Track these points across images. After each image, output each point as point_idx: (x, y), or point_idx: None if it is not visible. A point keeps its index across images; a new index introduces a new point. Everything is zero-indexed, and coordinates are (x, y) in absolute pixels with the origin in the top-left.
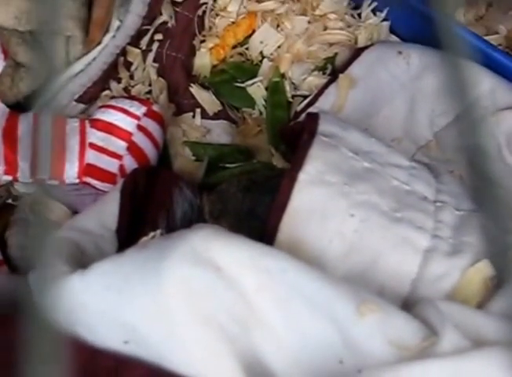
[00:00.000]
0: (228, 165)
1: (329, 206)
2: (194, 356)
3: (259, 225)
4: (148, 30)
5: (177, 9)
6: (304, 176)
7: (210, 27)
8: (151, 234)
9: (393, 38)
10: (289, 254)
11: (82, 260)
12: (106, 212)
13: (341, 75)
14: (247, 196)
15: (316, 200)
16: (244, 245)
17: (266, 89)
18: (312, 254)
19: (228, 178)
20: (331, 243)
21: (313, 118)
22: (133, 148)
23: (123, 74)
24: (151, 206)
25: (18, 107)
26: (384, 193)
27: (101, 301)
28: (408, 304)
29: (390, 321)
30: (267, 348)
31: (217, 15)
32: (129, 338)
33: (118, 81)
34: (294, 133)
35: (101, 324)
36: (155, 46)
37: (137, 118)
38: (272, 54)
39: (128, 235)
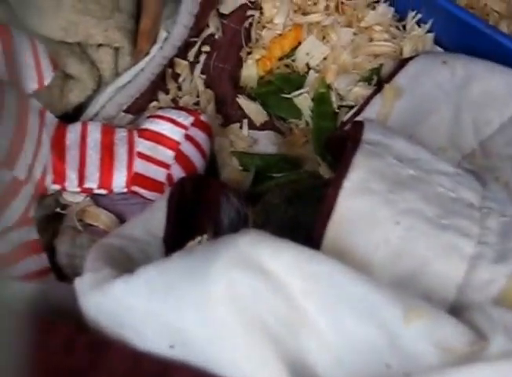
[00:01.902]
0: (274, 175)
1: (374, 214)
2: (240, 359)
3: (303, 235)
4: (195, 42)
5: (224, 21)
6: (348, 184)
7: (257, 39)
8: (198, 238)
9: (438, 49)
10: (336, 259)
11: (129, 266)
12: (153, 220)
13: (386, 86)
14: (291, 206)
15: (361, 208)
16: (291, 249)
17: (312, 100)
18: (358, 262)
19: (273, 189)
20: (377, 251)
21: (358, 126)
22: (180, 158)
23: (171, 85)
24: (199, 214)
25: (66, 118)
26: (429, 200)
27: (147, 305)
28: (455, 310)
29: (438, 326)
30: (313, 351)
31: (263, 27)
32: (174, 343)
33: (166, 92)
34: (340, 142)
35: (147, 328)
36: (202, 58)
37: (185, 127)
38: (318, 65)
39: (175, 243)
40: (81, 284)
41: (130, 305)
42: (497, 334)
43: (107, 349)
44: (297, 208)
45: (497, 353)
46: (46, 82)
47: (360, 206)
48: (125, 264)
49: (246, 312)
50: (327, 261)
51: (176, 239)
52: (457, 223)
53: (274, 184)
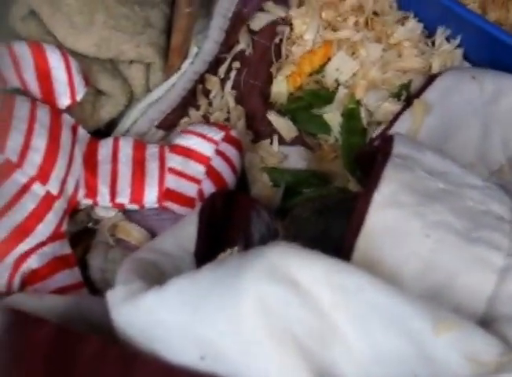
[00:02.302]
0: (304, 190)
1: (404, 227)
2: (271, 372)
3: (333, 249)
4: (225, 58)
5: (254, 38)
6: (379, 197)
7: (287, 55)
8: (229, 251)
9: (467, 64)
10: (365, 271)
11: (160, 280)
12: (184, 235)
13: (416, 101)
14: (320, 220)
15: (391, 221)
16: (321, 261)
17: (342, 115)
18: (388, 274)
19: (302, 202)
20: (407, 263)
21: (388, 140)
22: (211, 173)
23: (202, 101)
24: (229, 229)
25: (98, 134)
26: (459, 213)
27: (178, 317)
28: (485, 322)
29: (467, 337)
30: (342, 363)
31: (293, 43)
32: (205, 354)
33: (197, 108)
34: (370, 157)
35: (178, 340)
36: (233, 74)
37: (216, 143)
38: (347, 81)
39: (206, 257)
40: (112, 297)
41: (161, 317)
42: None
43: (138, 361)
44: (327, 221)
45: None
46: (79, 97)
47: (390, 218)
48: (156, 277)
49: (277, 325)
50: (356, 272)
51: (207, 253)
52: (487, 236)
53: (305, 200)
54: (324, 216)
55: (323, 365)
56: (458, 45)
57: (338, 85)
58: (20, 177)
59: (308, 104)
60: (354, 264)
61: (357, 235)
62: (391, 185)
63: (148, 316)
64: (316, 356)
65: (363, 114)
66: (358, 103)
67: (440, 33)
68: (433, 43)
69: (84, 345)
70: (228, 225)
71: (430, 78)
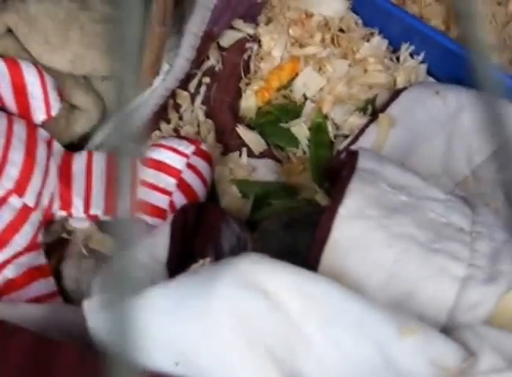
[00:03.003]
0: (273, 201)
1: (368, 239)
2: None
3: (300, 262)
4: (196, 73)
5: (224, 54)
6: (344, 210)
7: (256, 71)
8: (201, 262)
9: (431, 79)
10: (332, 280)
11: (134, 289)
12: (156, 245)
13: (381, 115)
14: (288, 233)
15: (355, 233)
16: (289, 270)
17: (309, 129)
18: (354, 285)
19: (270, 216)
20: (371, 274)
21: (353, 154)
22: (182, 185)
23: (173, 115)
24: (200, 240)
25: (72, 147)
26: (421, 225)
27: (153, 326)
28: (446, 330)
29: (431, 343)
30: (312, 369)
31: (261, 59)
32: (179, 360)
33: (168, 122)
34: (336, 170)
35: (154, 347)
36: (202, 89)
37: (186, 156)
38: (314, 96)
39: (178, 267)
40: (89, 306)
41: (137, 326)
42: (485, 352)
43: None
44: (293, 234)
45: (485, 370)
46: (54, 113)
47: (354, 231)
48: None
49: (247, 332)
50: (324, 281)
51: (178, 264)
52: (448, 247)
53: (272, 212)
54: (292, 229)
55: (294, 372)
56: (422, 61)
57: (306, 99)
58: None
59: (276, 118)
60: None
61: (322, 248)
62: (356, 198)
63: (123, 325)
64: (287, 363)
65: (330, 127)
66: (325, 117)
67: (404, 49)
68: (398, 59)
69: (61, 352)
70: (198, 236)
71: (395, 93)
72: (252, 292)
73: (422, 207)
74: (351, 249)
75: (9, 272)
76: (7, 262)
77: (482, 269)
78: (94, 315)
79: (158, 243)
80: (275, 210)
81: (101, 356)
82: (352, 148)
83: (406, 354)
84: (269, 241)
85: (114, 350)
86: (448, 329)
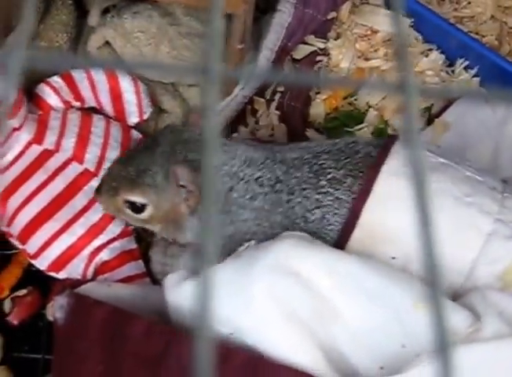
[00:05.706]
0: None
1: (405, 192)
2: (281, 349)
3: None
4: (271, 82)
5: (297, 65)
6: (386, 167)
7: None
8: (246, 244)
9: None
10: (358, 257)
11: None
12: None
13: (436, 120)
14: None
15: (394, 188)
16: (320, 252)
17: (372, 133)
18: (391, 233)
19: None
20: (407, 225)
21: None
22: None
23: (250, 119)
24: None
25: None
26: (458, 181)
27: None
28: (460, 293)
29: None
30: (342, 337)
31: (331, 70)
32: (234, 330)
33: (246, 125)
34: None
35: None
36: (277, 97)
37: None
38: (377, 104)
39: None
40: (169, 282)
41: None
42: (490, 317)
43: (180, 337)
44: None
45: (489, 335)
46: (146, 116)
47: (393, 186)
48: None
49: (285, 309)
50: (349, 259)
51: None
52: (479, 200)
53: None
54: None
55: (327, 340)
56: (475, 75)
57: (369, 107)
58: (96, 184)
59: (342, 123)
60: (361, 225)
61: (366, 199)
62: (397, 158)
63: (187, 300)
64: (320, 333)
65: (390, 132)
66: (386, 123)
67: (459, 64)
68: (453, 72)
69: (133, 324)
70: None
71: (449, 102)
72: (285, 274)
73: (459, 168)
74: (390, 200)
75: (105, 255)
76: (103, 246)
77: (508, 225)
78: (173, 290)
79: None
80: None
81: (168, 332)
82: None
83: (420, 323)
84: None
85: (193, 320)
86: (461, 292)
